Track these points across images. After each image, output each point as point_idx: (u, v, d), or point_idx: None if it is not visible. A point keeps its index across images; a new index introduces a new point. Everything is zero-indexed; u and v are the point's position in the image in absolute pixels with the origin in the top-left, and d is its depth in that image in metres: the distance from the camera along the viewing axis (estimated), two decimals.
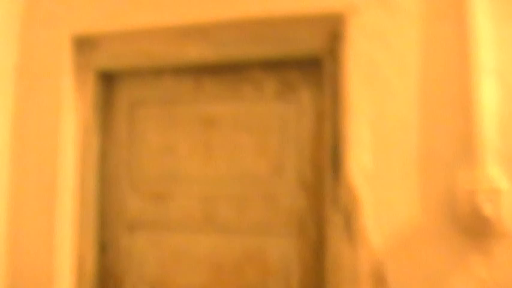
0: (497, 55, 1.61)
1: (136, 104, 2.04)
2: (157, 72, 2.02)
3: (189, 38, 1.88)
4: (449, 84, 1.65)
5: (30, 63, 1.96)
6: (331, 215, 1.73)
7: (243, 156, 1.91)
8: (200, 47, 1.87)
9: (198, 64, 1.91)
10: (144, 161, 2.00)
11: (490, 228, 1.56)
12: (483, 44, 1.60)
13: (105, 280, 1.97)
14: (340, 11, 1.73)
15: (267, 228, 1.86)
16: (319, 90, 1.86)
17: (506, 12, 1.63)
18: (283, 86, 1.91)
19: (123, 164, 2.02)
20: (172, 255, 1.93)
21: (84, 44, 1.97)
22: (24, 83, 1.95)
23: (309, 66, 1.86)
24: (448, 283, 1.59)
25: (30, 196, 1.90)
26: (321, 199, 1.81)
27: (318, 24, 1.76)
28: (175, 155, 1.97)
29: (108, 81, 2.06)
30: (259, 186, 1.88)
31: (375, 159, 1.66)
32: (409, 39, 1.69)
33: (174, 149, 1.97)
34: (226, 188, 1.91)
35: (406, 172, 1.64)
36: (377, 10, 1.71)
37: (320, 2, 1.76)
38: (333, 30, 1.75)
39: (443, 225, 1.61)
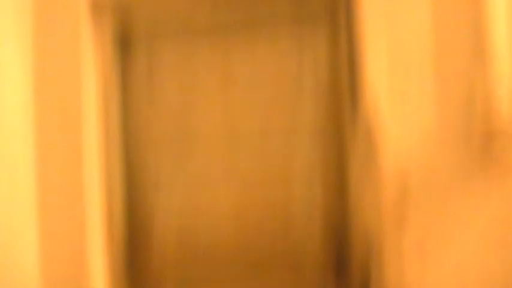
0: None
1: (155, 65, 2.05)
2: (175, 34, 2.02)
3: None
4: None
5: (48, 28, 1.91)
6: (351, 129, 1.78)
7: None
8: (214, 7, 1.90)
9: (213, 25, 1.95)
10: (164, 119, 2.02)
11: (507, 131, 1.58)
12: None
13: (133, 208, 2.01)
14: None
15: (290, 140, 1.91)
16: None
17: None
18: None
19: (144, 123, 2.04)
20: (199, 177, 1.97)
21: (102, 7, 1.94)
22: (43, 46, 1.91)
23: None
24: (470, 195, 1.63)
25: (56, 155, 1.89)
26: (341, 118, 1.86)
27: None
28: (195, 113, 1.99)
29: (127, 44, 2.06)
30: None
31: (391, 72, 1.67)
32: None
33: (193, 107, 1.99)
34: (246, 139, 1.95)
35: (424, 80, 1.65)
36: None
37: None
38: None
39: (463, 134, 1.63)
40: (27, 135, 1.86)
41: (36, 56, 1.91)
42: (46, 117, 1.89)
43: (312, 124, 1.88)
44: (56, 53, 1.90)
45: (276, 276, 1.88)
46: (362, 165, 1.73)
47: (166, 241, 1.97)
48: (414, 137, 1.66)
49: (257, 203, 1.91)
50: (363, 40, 1.72)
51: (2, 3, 1.71)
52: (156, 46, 2.04)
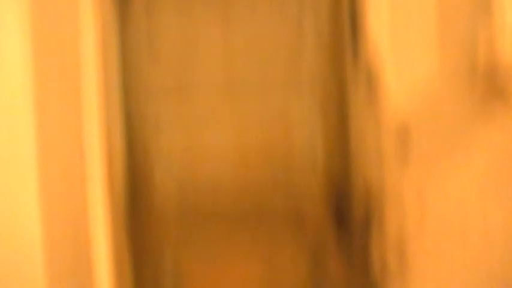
0: None
1: (155, 17, 2.00)
2: None
3: None
4: None
5: None
6: (353, 71, 1.76)
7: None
8: None
9: None
10: (164, 70, 1.99)
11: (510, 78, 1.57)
12: None
13: (134, 154, 2.00)
14: None
15: (290, 90, 1.89)
16: None
17: None
18: None
19: (144, 74, 2.01)
20: (198, 123, 1.95)
21: None
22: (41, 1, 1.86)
23: None
24: (471, 133, 1.63)
25: (55, 107, 1.84)
26: (342, 62, 1.83)
27: None
28: (194, 64, 1.96)
29: None
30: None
31: (392, 20, 1.65)
32: None
33: (193, 58, 1.96)
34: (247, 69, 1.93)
35: (426, 27, 1.64)
36: None
37: None
38: None
39: (465, 79, 1.62)
40: (26, 89, 1.80)
41: (35, 10, 1.83)
42: (45, 71, 1.83)
43: (313, 74, 1.85)
44: (54, 8, 1.86)
45: (276, 224, 1.88)
46: (363, 113, 1.72)
47: (167, 189, 1.97)
48: (416, 83, 1.64)
49: (257, 152, 1.89)
50: None
51: None
52: None
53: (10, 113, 1.72)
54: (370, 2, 1.68)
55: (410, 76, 1.65)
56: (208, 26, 1.95)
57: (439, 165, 1.64)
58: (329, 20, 1.86)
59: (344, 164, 1.81)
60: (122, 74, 1.98)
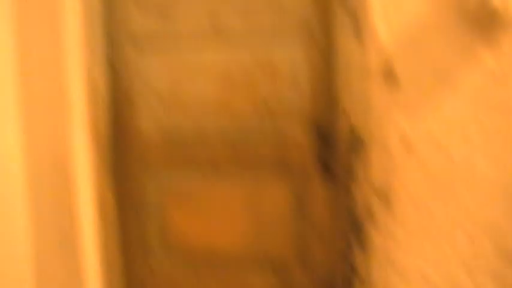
0: None
1: None
2: None
3: None
4: None
5: None
6: (339, 15, 1.74)
7: None
8: None
9: None
10: (146, 16, 1.96)
11: (498, 19, 1.56)
12: None
13: (118, 100, 1.99)
14: None
15: (275, 36, 1.86)
16: None
17: None
18: None
19: (126, 20, 1.98)
20: (183, 71, 1.93)
21: None
22: None
23: None
24: (457, 75, 1.61)
25: (38, 49, 1.85)
26: (328, 5, 1.79)
27: None
28: (177, 9, 1.93)
29: None
30: None
31: None
32: None
33: (176, 3, 1.94)
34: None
35: None
36: None
37: None
38: None
39: (452, 18, 1.61)
40: (8, 37, 1.79)
41: None
42: (27, 16, 1.82)
43: (298, 18, 1.82)
44: None
45: (261, 170, 1.87)
46: (349, 57, 1.70)
47: (151, 134, 1.96)
48: (403, 25, 1.63)
49: (241, 100, 1.88)
50: None
51: None
52: None
53: None
54: None
55: (397, 18, 1.63)
56: None
57: (424, 109, 1.63)
58: None
59: (330, 109, 1.79)
60: (106, 20, 1.96)
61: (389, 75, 1.65)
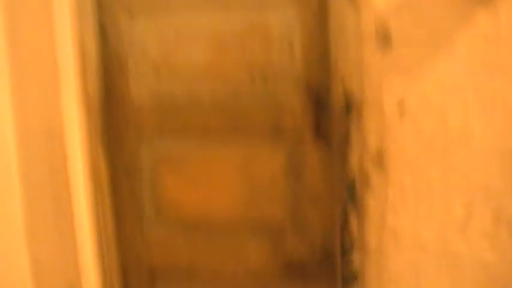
0: None
1: None
2: None
3: None
4: None
5: None
6: None
7: None
8: None
9: None
10: None
11: None
12: None
13: (109, 65, 1.96)
14: None
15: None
16: None
17: None
18: None
19: None
20: (174, 35, 1.91)
21: None
22: None
23: None
24: (453, 38, 1.59)
25: (26, 11, 1.82)
26: None
27: None
28: None
29: None
30: None
31: None
32: None
33: None
34: None
35: None
36: None
37: None
38: None
39: None
40: None
41: None
42: None
43: None
44: None
45: (254, 136, 1.86)
46: (343, 20, 1.68)
47: (143, 100, 1.93)
48: None
49: (234, 64, 1.85)
50: None
51: None
52: None
53: None
54: None
55: None
56: None
57: (419, 72, 1.60)
58: None
59: (323, 72, 1.77)
60: None
61: (384, 38, 1.62)
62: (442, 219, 1.66)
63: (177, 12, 1.88)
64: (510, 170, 1.59)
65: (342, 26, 1.68)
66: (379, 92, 1.65)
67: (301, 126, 1.82)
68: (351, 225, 1.74)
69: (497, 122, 1.59)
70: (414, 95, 1.63)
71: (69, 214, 1.92)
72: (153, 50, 1.91)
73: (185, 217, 1.95)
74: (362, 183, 1.70)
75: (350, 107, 1.69)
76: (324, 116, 1.79)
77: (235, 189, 1.89)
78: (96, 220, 1.97)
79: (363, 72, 1.66)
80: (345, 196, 1.74)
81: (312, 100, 1.80)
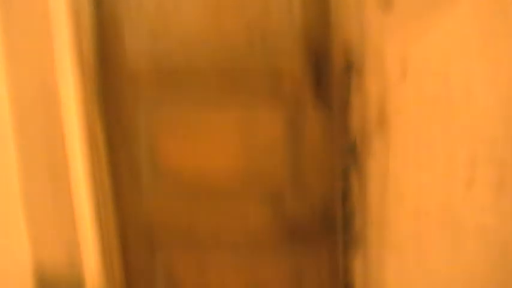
0: None
1: None
2: None
3: None
4: None
5: None
6: None
7: None
8: None
9: None
10: None
11: None
12: None
13: (104, 26, 1.90)
14: None
15: None
16: None
17: None
18: None
19: None
20: (168, 30, 1.86)
21: None
22: None
23: None
24: None
25: None
26: None
27: None
28: None
29: None
30: None
31: None
32: None
33: None
34: None
35: None
36: None
37: None
38: None
39: None
40: None
41: None
42: None
43: None
44: None
45: (252, 83, 1.80)
46: None
47: (139, 63, 1.88)
48: None
49: (232, 24, 1.79)
50: None
51: None
52: None
53: None
54: None
55: None
56: None
57: (421, 31, 1.56)
58: None
59: (324, 33, 1.71)
60: None
61: None
62: (444, 183, 1.63)
63: None
64: None
65: None
66: (381, 52, 1.60)
67: (300, 88, 1.76)
68: (352, 189, 1.71)
69: (502, 83, 1.55)
70: (416, 55, 1.58)
71: (66, 180, 1.88)
72: (149, 9, 1.85)
73: (184, 181, 1.91)
74: (363, 146, 1.67)
75: (350, 67, 1.65)
76: (324, 78, 1.74)
77: (234, 153, 1.85)
78: (94, 185, 1.94)
79: (364, 31, 1.61)
80: (346, 159, 1.70)
81: (312, 61, 1.74)
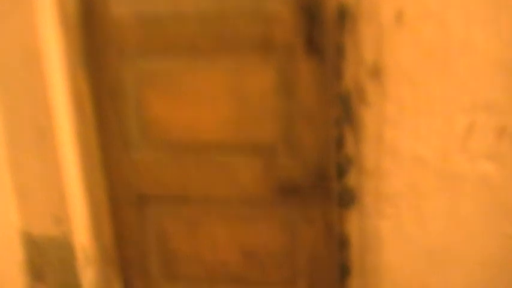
0: None
1: None
2: None
3: None
4: None
5: None
6: None
7: None
8: None
9: None
10: None
11: None
12: None
13: (88, 19, 1.85)
14: None
15: None
16: None
17: None
18: None
19: None
20: None
21: None
22: None
23: None
24: None
25: None
26: None
27: None
28: None
29: None
30: None
31: None
32: None
33: None
34: None
35: None
36: None
37: None
38: None
39: None
40: None
41: None
42: None
43: None
44: None
45: (243, 51, 1.74)
46: None
47: (122, 12, 1.81)
48: None
49: None
50: None
51: None
52: None
53: None
54: None
55: None
56: None
57: None
58: None
59: None
60: None
61: None
62: (442, 135, 1.58)
63: None
64: None
65: None
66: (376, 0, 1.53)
67: (292, 38, 1.69)
68: (346, 144, 1.67)
69: (502, 32, 1.48)
70: (413, 3, 1.51)
71: (51, 140, 1.83)
72: None
73: (173, 139, 1.87)
74: (358, 98, 1.62)
75: (344, 16, 1.58)
76: (317, 27, 1.67)
77: (224, 108, 1.80)
78: (80, 145, 1.91)
79: None
80: (340, 112, 1.65)
81: (304, 10, 1.67)
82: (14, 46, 1.76)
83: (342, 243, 1.77)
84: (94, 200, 1.97)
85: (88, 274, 1.97)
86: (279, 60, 1.73)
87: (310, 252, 1.87)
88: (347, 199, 1.72)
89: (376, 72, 1.58)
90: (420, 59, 1.54)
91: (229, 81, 1.78)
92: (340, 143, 1.68)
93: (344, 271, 1.79)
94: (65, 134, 1.86)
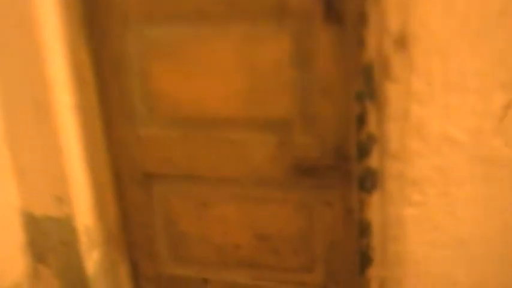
0: None
1: None
2: None
3: None
4: None
5: None
6: None
7: None
8: None
9: None
10: None
11: None
12: None
13: None
14: None
15: None
16: None
17: None
18: None
19: None
20: None
21: None
22: None
23: None
24: None
25: None
26: None
27: None
28: None
29: None
30: None
31: None
32: None
33: None
34: None
35: None
36: None
37: None
38: None
39: None
40: None
41: None
42: None
43: None
44: None
45: (255, 21, 1.64)
46: None
47: None
48: None
49: None
50: None
51: None
52: None
53: None
54: None
55: None
56: None
57: None
58: None
59: None
60: None
61: None
62: (476, 114, 1.46)
63: None
64: None
65: None
66: None
67: (310, 4, 1.58)
68: (368, 121, 1.56)
69: None
70: None
71: (51, 116, 1.77)
72: None
73: (180, 113, 1.79)
74: (382, 71, 1.49)
75: None
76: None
77: (235, 80, 1.70)
78: (82, 121, 1.84)
79: None
80: (362, 86, 1.54)
81: None
82: (8, 13, 1.69)
83: (363, 230, 1.68)
84: (97, 179, 1.92)
85: (93, 256, 1.93)
86: (296, 28, 1.61)
87: (328, 238, 1.80)
88: (369, 183, 1.62)
89: (403, 43, 1.45)
90: (452, 28, 1.41)
91: (241, 51, 1.68)
92: (361, 120, 1.57)
93: (364, 260, 1.71)
94: (66, 109, 1.80)
